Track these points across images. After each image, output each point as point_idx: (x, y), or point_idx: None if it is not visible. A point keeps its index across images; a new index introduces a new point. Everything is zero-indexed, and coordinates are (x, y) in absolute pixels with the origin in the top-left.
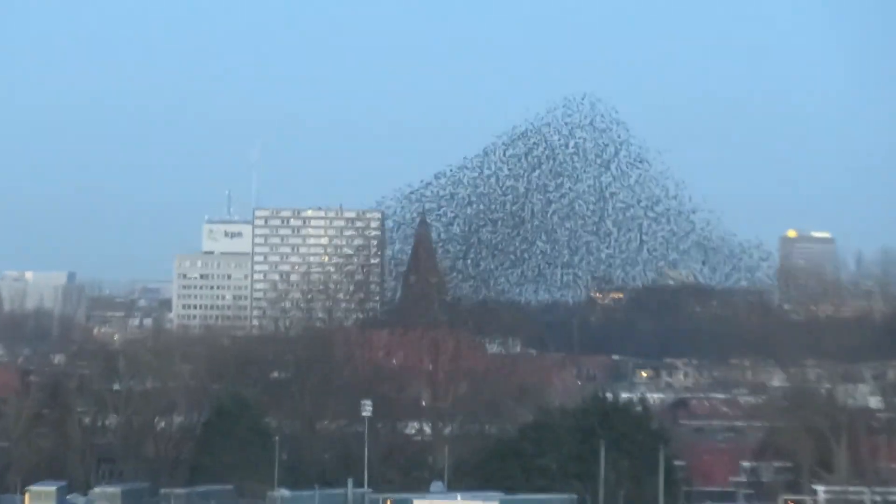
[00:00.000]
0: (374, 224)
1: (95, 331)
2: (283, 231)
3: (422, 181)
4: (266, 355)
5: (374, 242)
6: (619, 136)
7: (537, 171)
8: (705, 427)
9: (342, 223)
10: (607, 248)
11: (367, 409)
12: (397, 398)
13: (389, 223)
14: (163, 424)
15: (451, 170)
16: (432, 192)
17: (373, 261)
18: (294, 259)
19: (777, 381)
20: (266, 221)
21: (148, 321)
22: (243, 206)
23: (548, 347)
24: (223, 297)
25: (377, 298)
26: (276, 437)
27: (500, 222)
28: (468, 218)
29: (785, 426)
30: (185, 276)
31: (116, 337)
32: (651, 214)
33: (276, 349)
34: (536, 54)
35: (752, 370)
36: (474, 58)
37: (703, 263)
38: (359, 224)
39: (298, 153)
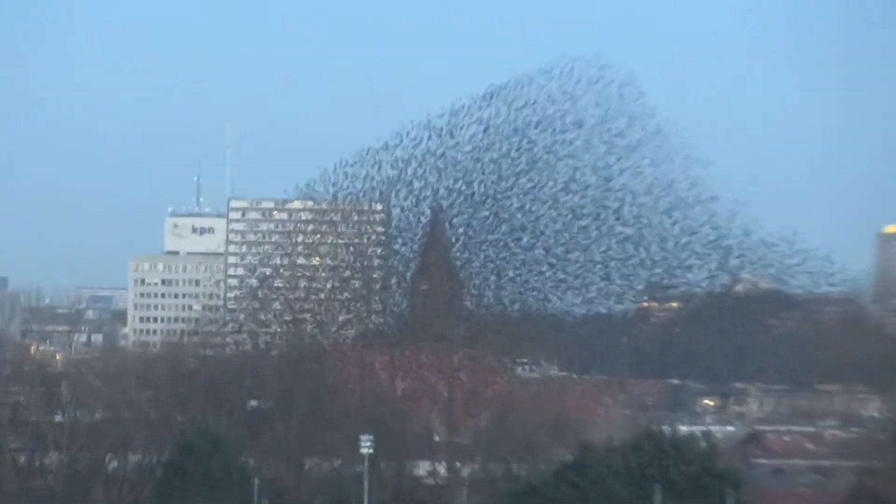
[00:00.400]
0: (377, 217)
1: (33, 349)
2: (264, 226)
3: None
4: (243, 380)
5: (379, 240)
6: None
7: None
8: (784, 468)
9: (337, 217)
10: (661, 246)
11: (366, 445)
12: (404, 432)
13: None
14: (115, 464)
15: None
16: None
17: (375, 263)
18: (278, 261)
19: (873, 410)
20: (244, 214)
21: (98, 337)
22: (215, 196)
23: (590, 369)
24: (190, 308)
25: (380, 309)
26: (256, 480)
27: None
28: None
29: (883, 466)
30: (142, 281)
31: (59, 357)
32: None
33: (256, 372)
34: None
35: (842, 398)
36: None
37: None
38: (358, 219)
39: (282, 134)
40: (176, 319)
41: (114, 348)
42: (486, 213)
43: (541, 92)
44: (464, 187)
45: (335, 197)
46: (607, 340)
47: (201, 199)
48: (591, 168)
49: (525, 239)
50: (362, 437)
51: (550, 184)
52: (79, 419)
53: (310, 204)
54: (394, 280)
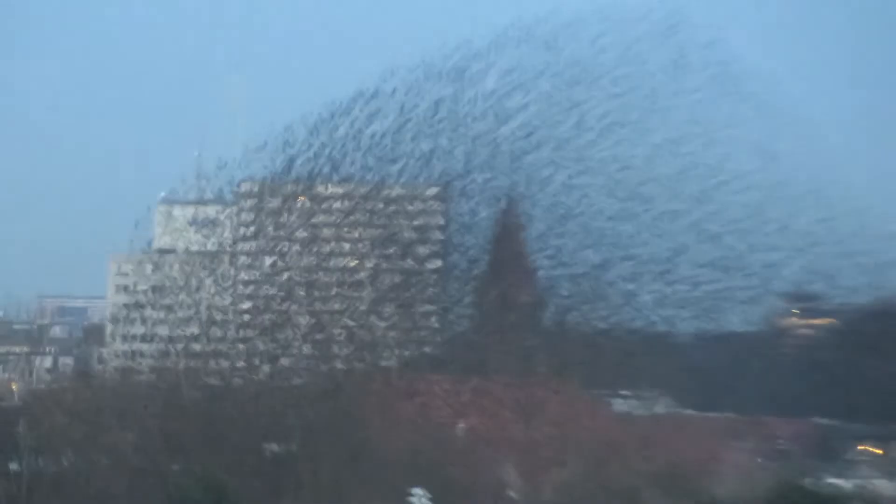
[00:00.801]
0: (433, 206)
1: None
2: (284, 217)
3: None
4: (257, 416)
5: (434, 235)
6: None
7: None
8: None
9: (379, 205)
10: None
11: (419, 501)
12: (469, 485)
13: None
14: None
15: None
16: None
17: (430, 266)
18: (302, 262)
19: None
20: (258, 201)
21: (67, 361)
22: (220, 177)
23: (711, 405)
24: (188, 323)
25: (437, 327)
26: None
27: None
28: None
29: None
30: (125, 288)
31: (15, 387)
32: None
33: (273, 405)
34: None
35: None
36: None
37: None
38: (409, 207)
39: (307, 93)
40: (170, 338)
41: (87, 376)
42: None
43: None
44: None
45: (378, 178)
46: (733, 367)
47: (202, 182)
48: (702, 143)
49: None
50: (413, 492)
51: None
52: (41, 469)
53: (345, 187)
54: (455, 289)
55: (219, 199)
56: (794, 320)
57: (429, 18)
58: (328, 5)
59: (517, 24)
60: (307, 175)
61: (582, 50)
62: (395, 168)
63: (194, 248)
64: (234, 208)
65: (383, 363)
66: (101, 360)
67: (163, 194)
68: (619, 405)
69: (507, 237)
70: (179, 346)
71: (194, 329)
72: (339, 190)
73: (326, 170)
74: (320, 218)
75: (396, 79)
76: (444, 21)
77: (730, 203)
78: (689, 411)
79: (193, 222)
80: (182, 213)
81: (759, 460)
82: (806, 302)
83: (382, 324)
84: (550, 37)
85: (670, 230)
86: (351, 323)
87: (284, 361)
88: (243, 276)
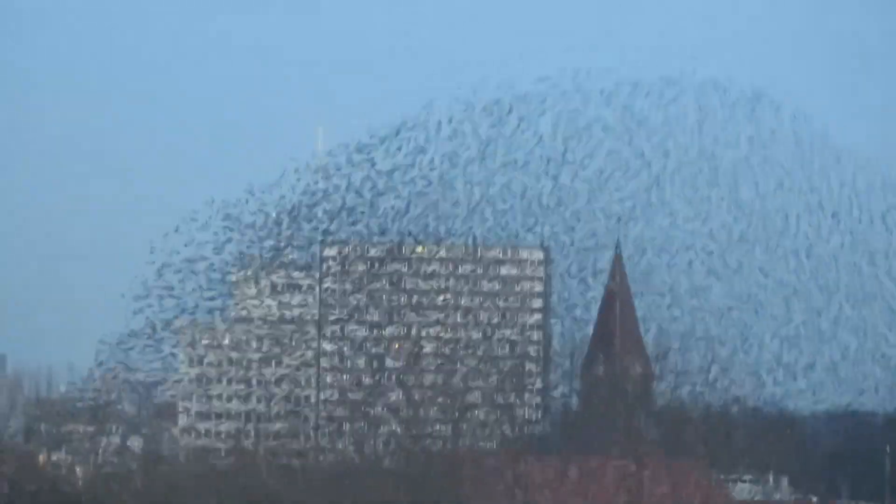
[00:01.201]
0: (534, 271)
1: (41, 459)
2: (371, 283)
3: None
4: (342, 502)
5: (535, 302)
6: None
7: None
8: None
9: (473, 269)
10: None
11: None
12: None
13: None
14: None
15: None
16: None
17: (533, 337)
18: (392, 330)
19: None
20: (343, 267)
21: (136, 441)
22: (300, 241)
23: (839, 491)
24: (270, 400)
25: (539, 403)
26: None
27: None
28: None
29: None
30: (200, 360)
31: (79, 470)
32: None
33: (363, 491)
34: None
35: None
36: None
37: None
38: (505, 271)
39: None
40: (248, 415)
41: (159, 459)
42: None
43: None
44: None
45: (473, 238)
46: (865, 450)
47: (281, 245)
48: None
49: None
50: None
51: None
52: None
53: (439, 251)
54: (558, 361)
55: (301, 265)
56: None
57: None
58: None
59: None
60: (396, 236)
61: (649, 110)
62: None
63: (274, 316)
64: (318, 274)
65: (482, 443)
66: (173, 441)
67: (238, 256)
68: (739, 490)
69: (615, 304)
70: (257, 425)
71: (274, 405)
72: (432, 252)
73: (415, 230)
74: (412, 283)
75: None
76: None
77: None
78: (814, 498)
79: (273, 289)
80: (260, 280)
81: None
82: None
83: (481, 400)
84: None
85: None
86: (447, 400)
87: (375, 441)
88: (327, 346)
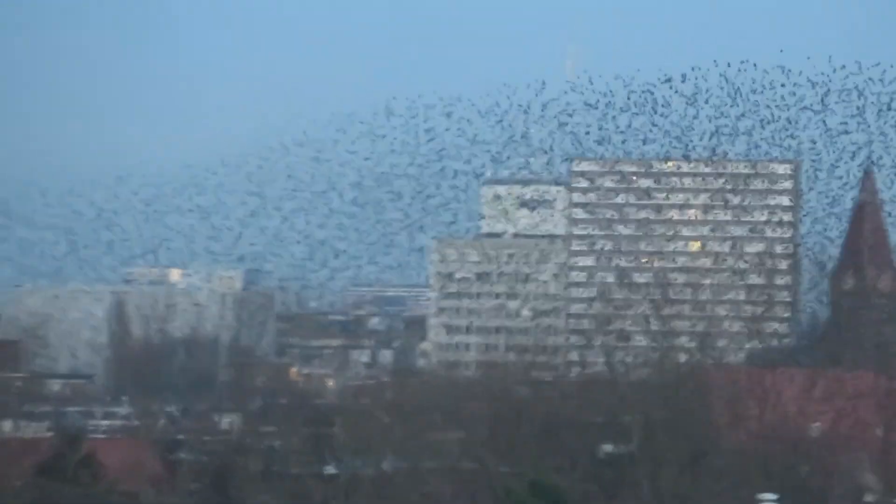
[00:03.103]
0: (782, 183)
1: (293, 373)
2: (622, 197)
3: None
4: (593, 415)
5: (783, 216)
6: None
7: None
8: None
9: (723, 182)
10: None
11: None
12: (824, 489)
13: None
14: None
15: None
16: None
17: (779, 249)
18: (641, 247)
19: None
20: (593, 181)
21: (386, 356)
22: (551, 154)
23: None
24: (517, 314)
25: (788, 317)
26: None
27: None
28: None
29: None
30: (449, 276)
31: (331, 384)
32: None
33: (612, 405)
34: None
35: None
36: None
37: None
38: (755, 183)
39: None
40: (497, 330)
41: (409, 372)
42: None
43: None
44: None
45: (723, 154)
46: None
47: (531, 159)
48: None
49: None
50: (763, 497)
51: None
52: (360, 471)
53: (688, 165)
54: (808, 276)
55: (550, 180)
56: None
57: None
58: None
59: None
60: (645, 153)
61: None
62: (737, 143)
63: (524, 231)
64: (567, 188)
65: (730, 357)
66: (423, 355)
67: (487, 173)
68: None
69: (866, 218)
70: (507, 340)
71: (524, 321)
72: (681, 167)
73: (663, 146)
74: (661, 198)
75: None
76: None
77: None
78: None
79: (523, 204)
80: (509, 193)
81: None
82: None
83: (729, 314)
84: None
85: None
86: (695, 313)
87: (623, 355)
88: (577, 261)
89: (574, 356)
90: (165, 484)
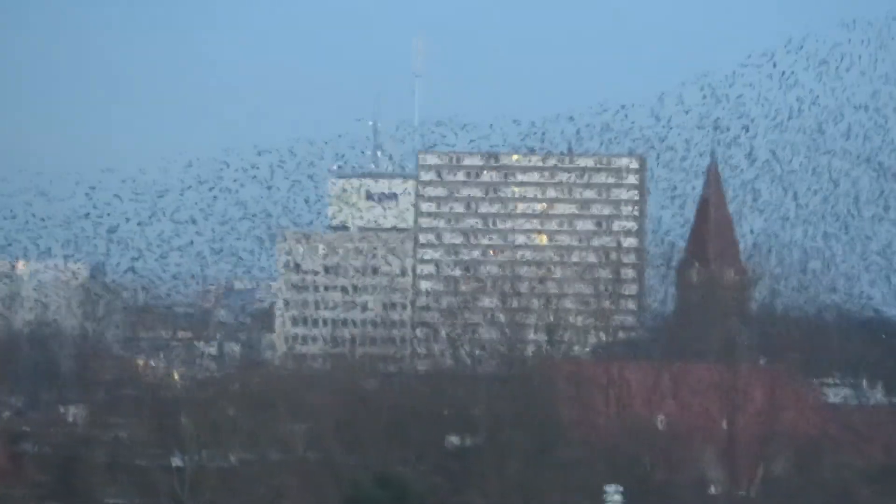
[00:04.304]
0: (628, 177)
1: (140, 365)
2: (468, 191)
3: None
4: (440, 408)
5: (630, 210)
6: None
7: None
8: None
9: (569, 177)
10: None
11: (615, 498)
12: (668, 480)
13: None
14: None
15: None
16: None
17: (626, 243)
18: (488, 240)
19: None
20: (439, 174)
21: (233, 348)
22: (398, 149)
23: None
24: (365, 307)
25: (634, 309)
26: None
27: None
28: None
29: None
30: (297, 268)
31: (178, 376)
32: None
33: (458, 397)
34: None
35: None
36: None
37: None
38: (600, 179)
39: (491, 63)
40: (344, 322)
41: (257, 364)
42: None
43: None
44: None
45: (569, 149)
46: None
47: (378, 154)
48: None
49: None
50: (609, 489)
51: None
52: (206, 464)
53: (534, 159)
54: (653, 268)
55: (398, 173)
56: None
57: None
58: None
59: None
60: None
61: None
62: (586, 139)
63: (370, 224)
64: (415, 182)
65: (577, 350)
66: (270, 348)
67: (335, 167)
68: (833, 395)
69: (711, 211)
70: (355, 332)
71: (371, 312)
72: (528, 161)
73: (511, 141)
74: (508, 192)
75: None
76: None
77: None
78: None
79: (370, 197)
80: (356, 186)
81: None
82: None
83: (576, 307)
84: None
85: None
86: (542, 306)
87: (470, 348)
88: (424, 254)
89: (421, 349)
90: (10, 476)
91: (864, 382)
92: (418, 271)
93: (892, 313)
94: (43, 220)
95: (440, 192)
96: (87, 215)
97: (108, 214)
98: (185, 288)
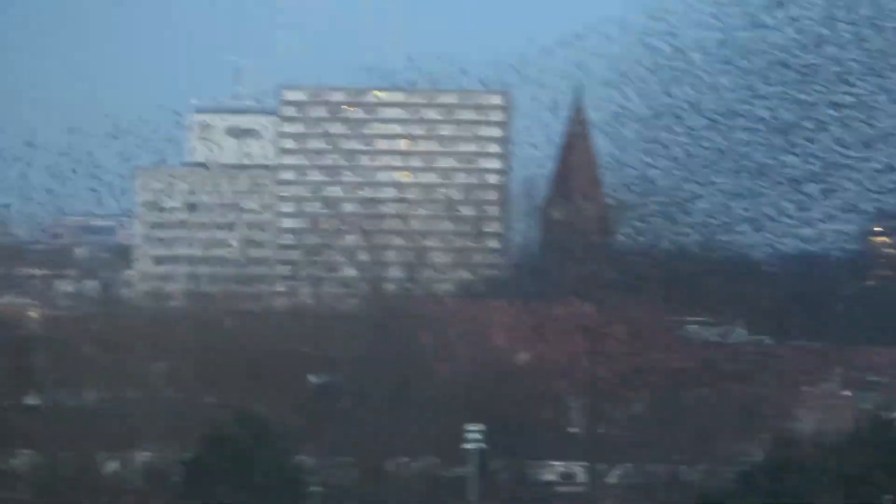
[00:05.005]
0: (493, 115)
1: None
2: (330, 127)
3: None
4: (300, 346)
5: (494, 147)
6: None
7: None
8: None
9: (434, 113)
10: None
11: (475, 438)
12: (529, 420)
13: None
14: (114, 467)
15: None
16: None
17: (490, 180)
18: (350, 176)
19: None
20: (302, 110)
21: (91, 285)
22: (260, 84)
23: (793, 333)
24: (226, 244)
25: (497, 248)
26: (316, 488)
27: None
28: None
29: None
30: (156, 205)
31: (34, 313)
32: None
33: (317, 336)
34: None
35: None
36: None
37: None
38: (466, 114)
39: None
40: (205, 260)
41: (115, 301)
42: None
43: None
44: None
45: (433, 85)
46: (819, 293)
47: (240, 89)
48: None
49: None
50: (469, 428)
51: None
52: (62, 403)
53: (398, 95)
54: (517, 205)
55: (259, 109)
56: (884, 240)
57: None
58: None
59: None
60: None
61: None
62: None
63: (231, 160)
64: (277, 118)
65: (439, 288)
66: (129, 284)
67: (195, 102)
68: (694, 332)
69: (575, 148)
70: (215, 270)
71: (232, 251)
72: (392, 98)
73: (377, 77)
74: (371, 128)
75: None
76: None
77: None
78: (768, 341)
79: (230, 133)
80: (217, 122)
81: (846, 393)
82: None
83: (439, 245)
84: None
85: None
86: (404, 244)
87: (331, 286)
88: (285, 191)
89: (282, 287)
90: None
91: (727, 321)
92: (280, 208)
93: (756, 253)
94: None
95: (302, 128)
96: None
97: None
98: (41, 224)
